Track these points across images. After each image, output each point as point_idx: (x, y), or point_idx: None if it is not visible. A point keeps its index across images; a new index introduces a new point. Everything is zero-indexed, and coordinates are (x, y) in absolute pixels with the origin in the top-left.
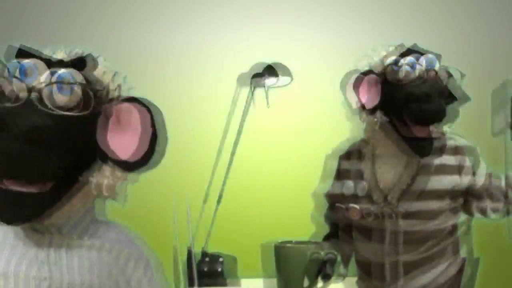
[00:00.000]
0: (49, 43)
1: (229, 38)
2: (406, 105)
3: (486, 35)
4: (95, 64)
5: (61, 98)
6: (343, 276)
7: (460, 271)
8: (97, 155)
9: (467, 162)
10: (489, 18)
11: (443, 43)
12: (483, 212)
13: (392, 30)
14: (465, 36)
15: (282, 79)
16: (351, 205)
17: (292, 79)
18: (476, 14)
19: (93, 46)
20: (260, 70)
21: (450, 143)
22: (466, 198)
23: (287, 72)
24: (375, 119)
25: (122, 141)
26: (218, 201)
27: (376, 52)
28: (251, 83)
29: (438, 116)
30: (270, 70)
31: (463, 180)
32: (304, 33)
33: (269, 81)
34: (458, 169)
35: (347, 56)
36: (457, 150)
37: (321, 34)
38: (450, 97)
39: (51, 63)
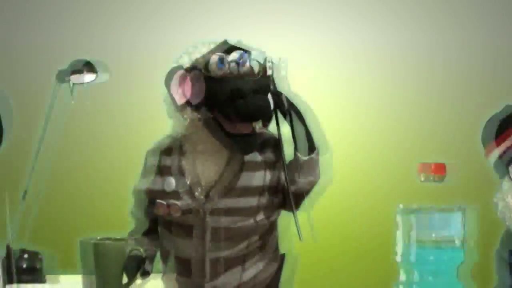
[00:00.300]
0: (49, 42)
1: (229, 38)
2: (230, 101)
3: (486, 35)
4: None
5: None
6: (162, 273)
7: (280, 268)
8: None
9: (282, 156)
10: (489, 18)
11: (443, 43)
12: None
13: (392, 30)
14: (465, 36)
15: (101, 76)
16: (172, 201)
17: (109, 76)
18: (476, 14)
19: (93, 46)
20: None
21: (271, 138)
22: (284, 193)
23: (105, 69)
24: (199, 116)
25: None
26: (35, 198)
27: (197, 48)
28: (70, 80)
29: (263, 113)
30: (89, 67)
31: (279, 175)
32: (304, 33)
33: (88, 77)
34: (276, 164)
35: (347, 56)
36: (276, 145)
37: (321, 34)
38: (277, 93)
39: None
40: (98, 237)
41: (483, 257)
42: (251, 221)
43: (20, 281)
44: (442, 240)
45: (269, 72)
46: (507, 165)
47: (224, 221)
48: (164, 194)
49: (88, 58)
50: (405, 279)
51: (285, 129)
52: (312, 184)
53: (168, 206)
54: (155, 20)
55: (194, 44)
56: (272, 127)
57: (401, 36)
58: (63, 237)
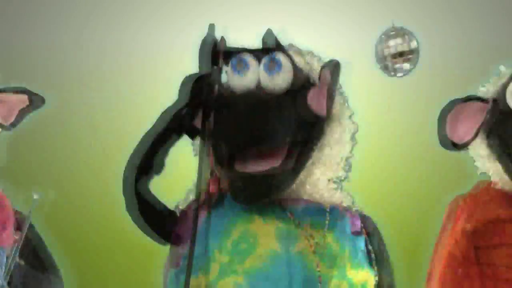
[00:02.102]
0: (48, 42)
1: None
2: None
3: (486, 35)
4: None
5: None
6: None
7: None
8: None
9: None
10: (489, 18)
11: (443, 43)
12: None
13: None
14: (465, 36)
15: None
16: None
17: None
18: (476, 14)
19: (94, 45)
20: None
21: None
22: None
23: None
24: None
25: None
26: None
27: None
28: None
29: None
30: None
31: None
32: (305, 33)
33: None
34: None
35: (347, 56)
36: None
37: (321, 34)
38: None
39: None
40: None
41: None
42: None
43: None
44: None
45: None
46: None
47: None
48: None
49: None
50: None
51: None
52: None
53: None
54: (155, 20)
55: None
56: None
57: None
58: None
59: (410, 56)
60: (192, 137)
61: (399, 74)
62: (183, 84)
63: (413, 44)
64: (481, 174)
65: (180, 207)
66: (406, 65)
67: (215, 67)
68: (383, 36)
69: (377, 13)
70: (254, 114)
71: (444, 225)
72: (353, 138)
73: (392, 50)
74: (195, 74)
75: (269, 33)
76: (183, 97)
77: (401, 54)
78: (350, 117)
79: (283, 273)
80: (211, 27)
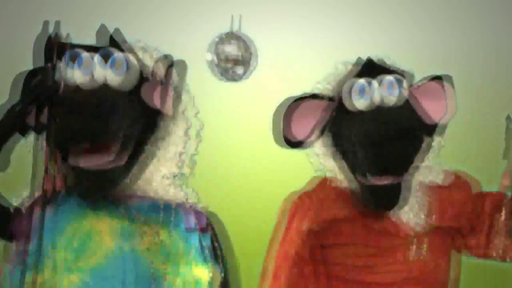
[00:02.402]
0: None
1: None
2: None
3: (486, 35)
4: None
5: None
6: None
7: None
8: None
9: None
10: (489, 18)
11: (443, 43)
12: None
13: (392, 30)
14: (465, 36)
15: None
16: None
17: None
18: (476, 14)
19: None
20: None
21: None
22: None
23: None
24: None
25: None
26: None
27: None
28: None
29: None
30: None
31: None
32: (305, 34)
33: None
34: None
35: (348, 56)
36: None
37: (323, 34)
38: None
39: None
40: None
41: None
42: None
43: None
44: None
45: None
46: None
47: None
48: None
49: None
50: None
51: None
52: None
53: None
54: (155, 20)
55: None
56: None
57: (402, 36)
58: None
59: (243, 59)
60: (23, 134)
61: (234, 78)
62: (15, 81)
63: (247, 49)
64: (316, 171)
65: (15, 204)
66: (240, 69)
67: (49, 63)
68: (217, 39)
69: (377, 13)
70: (86, 109)
71: (278, 222)
72: (198, 135)
73: (226, 54)
74: (27, 71)
75: (103, 29)
76: (16, 95)
77: (234, 59)
78: (195, 114)
79: (117, 270)
80: (46, 24)
